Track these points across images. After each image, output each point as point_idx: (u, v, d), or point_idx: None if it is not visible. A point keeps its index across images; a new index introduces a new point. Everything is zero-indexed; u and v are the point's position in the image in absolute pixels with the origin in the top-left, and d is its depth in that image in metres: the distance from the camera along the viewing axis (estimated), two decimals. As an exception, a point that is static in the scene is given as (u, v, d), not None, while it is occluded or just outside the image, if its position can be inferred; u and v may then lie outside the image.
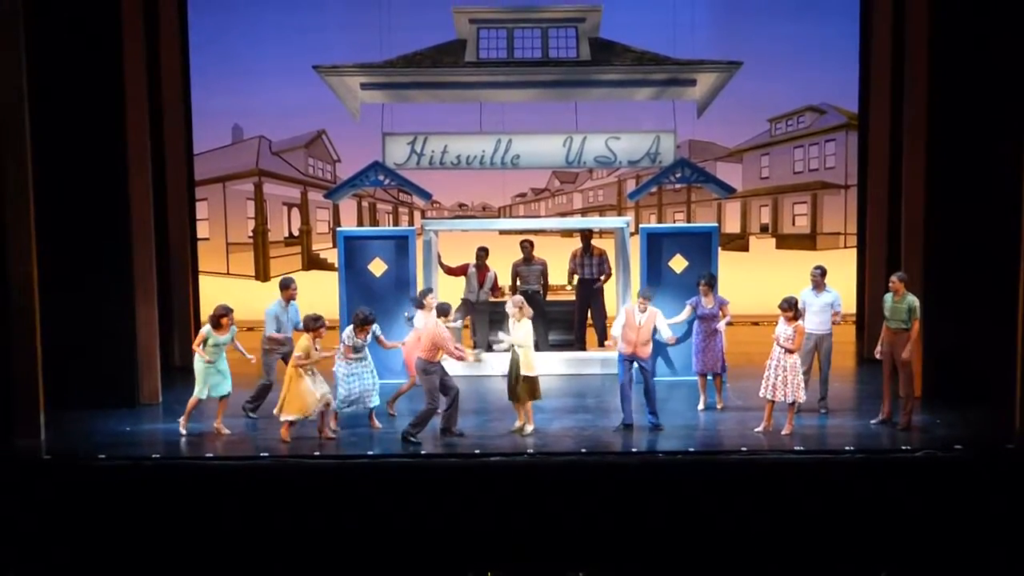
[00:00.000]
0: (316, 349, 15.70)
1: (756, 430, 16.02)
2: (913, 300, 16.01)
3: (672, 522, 14.53)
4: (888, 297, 16.17)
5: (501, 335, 16.36)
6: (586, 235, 20.66)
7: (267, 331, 17.04)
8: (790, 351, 15.81)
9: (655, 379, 16.46)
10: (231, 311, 16.20)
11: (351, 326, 16.26)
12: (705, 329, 17.39)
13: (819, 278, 17.05)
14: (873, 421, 16.40)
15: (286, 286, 17.28)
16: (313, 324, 15.76)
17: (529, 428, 15.99)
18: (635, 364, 16.23)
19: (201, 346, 16.01)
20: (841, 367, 19.70)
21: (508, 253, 20.88)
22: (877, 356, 16.44)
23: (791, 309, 15.86)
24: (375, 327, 16.47)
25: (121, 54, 17.37)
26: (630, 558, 14.41)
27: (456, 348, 16.05)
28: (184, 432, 16.08)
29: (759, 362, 16.44)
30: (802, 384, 15.94)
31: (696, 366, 17.54)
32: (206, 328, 16.11)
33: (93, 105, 17.21)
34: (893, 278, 16.18)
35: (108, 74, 17.25)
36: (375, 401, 16.34)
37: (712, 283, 17.46)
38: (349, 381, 16.04)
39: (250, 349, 16.81)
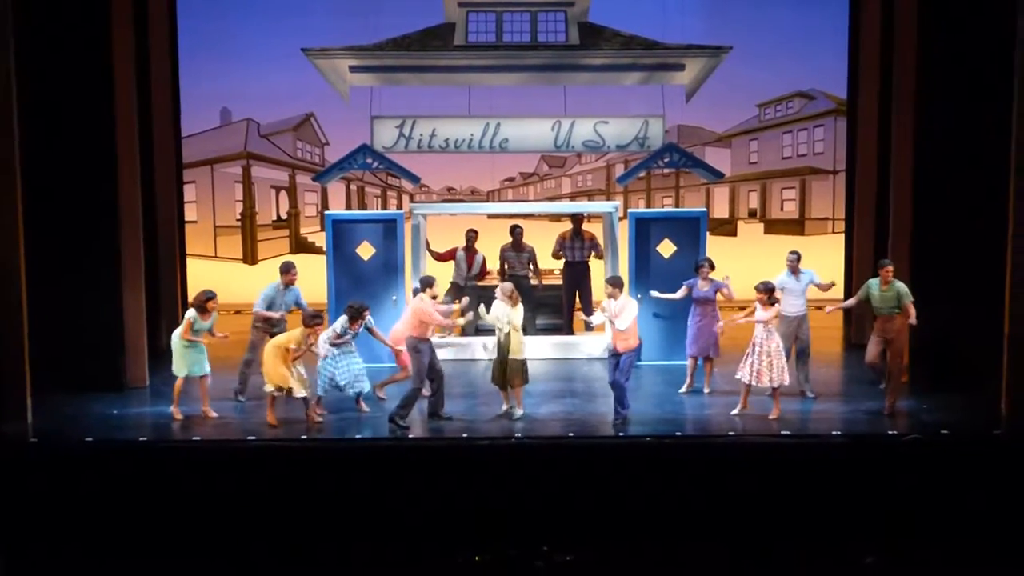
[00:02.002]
0: (307, 344, 15.72)
1: (733, 413, 16.09)
2: (901, 286, 16.06)
3: (659, 505, 14.55)
4: (875, 285, 16.18)
5: (489, 315, 16.28)
6: (577, 219, 20.64)
7: (256, 308, 17.01)
8: (766, 323, 15.87)
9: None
10: (215, 296, 16.19)
11: (344, 317, 16.26)
12: (700, 313, 17.41)
13: (795, 263, 17.21)
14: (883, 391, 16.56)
15: (286, 270, 17.24)
16: (311, 321, 15.75)
17: (518, 412, 16.00)
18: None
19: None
20: (828, 352, 19.82)
21: (497, 237, 20.84)
22: (873, 359, 16.44)
23: (767, 293, 15.93)
24: (369, 318, 16.48)
25: (109, 37, 17.29)
26: (617, 541, 14.43)
27: (443, 317, 16.09)
28: (180, 417, 16.08)
29: (745, 347, 16.45)
30: (785, 367, 16.00)
31: (689, 349, 17.58)
32: (192, 313, 16.09)
33: (81, 87, 17.15)
34: (885, 266, 16.20)
35: (96, 57, 17.18)
36: (365, 386, 16.37)
37: (712, 267, 17.47)
38: (333, 365, 16.05)
39: (238, 333, 16.80)
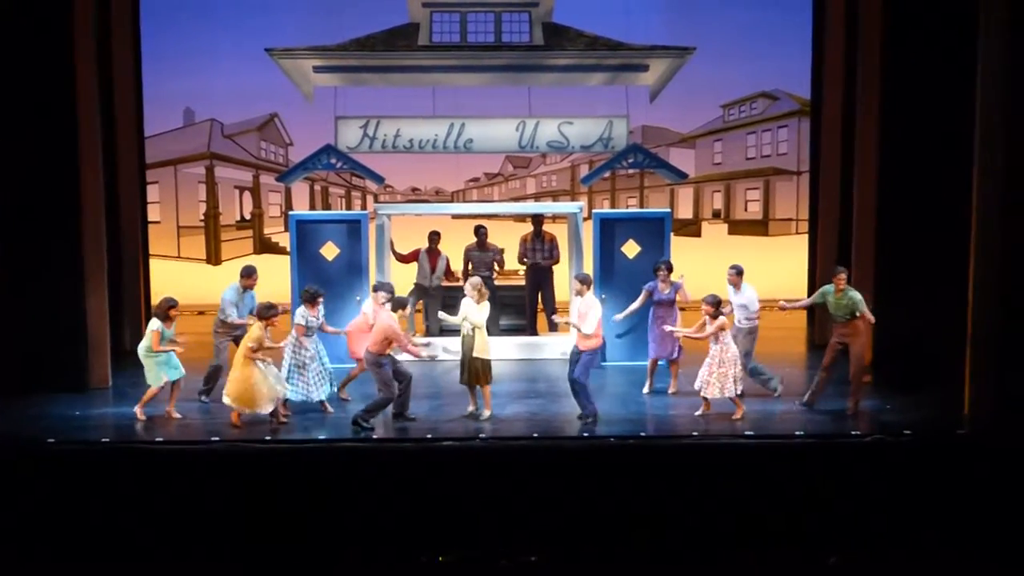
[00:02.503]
0: (268, 339, 15.64)
1: (696, 414, 16.11)
2: (855, 294, 16.01)
3: (623, 506, 14.55)
4: (830, 291, 16.16)
5: (455, 317, 16.25)
6: (538, 220, 20.63)
7: (222, 316, 16.88)
8: (708, 338, 15.91)
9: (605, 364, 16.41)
10: (177, 303, 16.09)
11: (302, 306, 16.22)
12: (661, 315, 17.42)
13: (735, 278, 17.12)
14: (798, 402, 16.59)
15: (248, 274, 17.06)
16: (266, 312, 15.66)
17: (486, 413, 15.96)
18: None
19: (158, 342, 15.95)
20: (792, 353, 19.89)
21: (461, 238, 20.82)
22: (826, 365, 16.49)
23: (712, 306, 15.89)
24: (321, 306, 16.41)
25: (71, 36, 17.19)
26: (582, 542, 14.42)
27: (412, 344, 16.00)
28: (143, 418, 15.96)
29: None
30: (739, 377, 15.96)
31: (650, 351, 17.59)
32: (156, 324, 15.91)
33: (43, 87, 17.05)
34: (838, 274, 16.19)
35: (58, 56, 17.08)
36: (326, 392, 16.31)
37: (671, 269, 17.51)
38: (301, 372, 16.00)
39: (202, 334, 16.72)
